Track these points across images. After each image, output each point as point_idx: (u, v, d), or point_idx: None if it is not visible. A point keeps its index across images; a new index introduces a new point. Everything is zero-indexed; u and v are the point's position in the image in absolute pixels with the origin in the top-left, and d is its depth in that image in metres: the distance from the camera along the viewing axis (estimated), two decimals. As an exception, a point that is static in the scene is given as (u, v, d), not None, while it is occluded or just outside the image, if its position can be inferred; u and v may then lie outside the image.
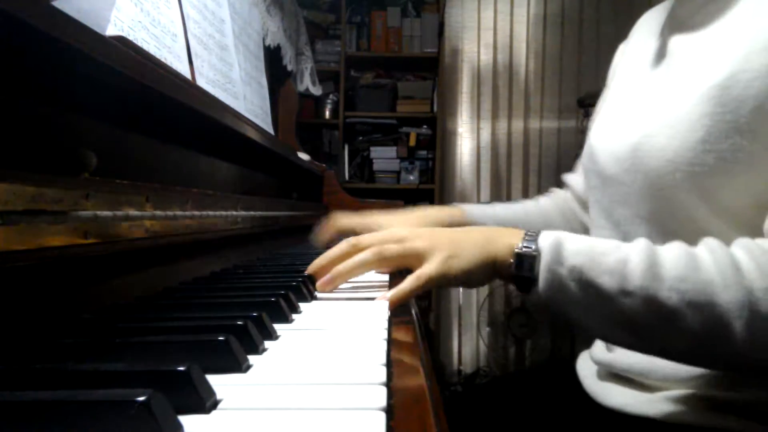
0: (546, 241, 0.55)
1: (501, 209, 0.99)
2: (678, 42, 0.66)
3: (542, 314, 2.69)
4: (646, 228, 0.62)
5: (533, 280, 0.54)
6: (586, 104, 2.54)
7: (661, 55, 0.69)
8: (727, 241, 0.55)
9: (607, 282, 0.51)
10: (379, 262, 0.60)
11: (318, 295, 0.64)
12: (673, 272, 0.50)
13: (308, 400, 0.31)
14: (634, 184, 0.62)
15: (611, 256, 0.52)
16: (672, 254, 0.51)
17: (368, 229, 0.95)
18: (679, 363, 0.58)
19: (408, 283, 0.57)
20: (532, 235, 0.56)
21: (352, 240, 0.63)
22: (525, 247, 0.55)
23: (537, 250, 0.55)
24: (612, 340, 0.60)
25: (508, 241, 0.57)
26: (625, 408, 0.64)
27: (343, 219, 0.98)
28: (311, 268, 0.67)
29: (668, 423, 0.60)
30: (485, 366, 3.00)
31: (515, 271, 0.55)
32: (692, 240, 0.57)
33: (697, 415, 0.59)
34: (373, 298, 0.59)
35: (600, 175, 0.70)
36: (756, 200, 0.54)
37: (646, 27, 0.80)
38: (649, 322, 0.50)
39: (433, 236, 0.60)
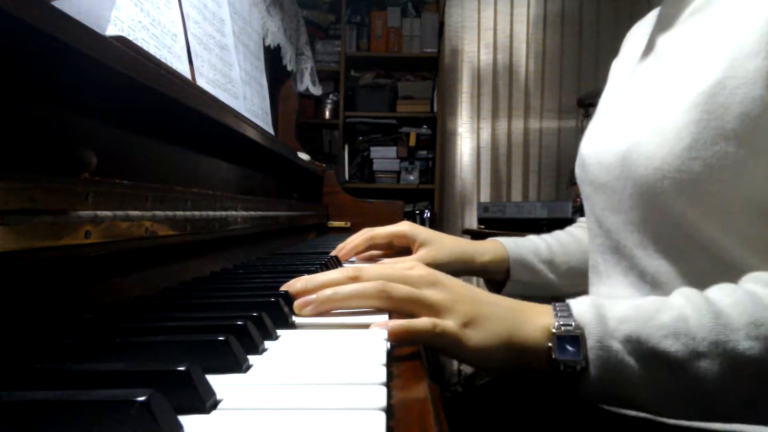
0: (585, 312, 0.47)
1: (544, 252, 0.93)
2: (665, 42, 0.66)
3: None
4: (637, 236, 0.62)
5: (574, 366, 0.45)
6: (586, 104, 2.54)
7: (648, 53, 0.69)
8: (719, 248, 0.54)
9: (671, 347, 0.44)
10: (379, 299, 0.49)
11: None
12: (744, 317, 0.43)
13: (308, 400, 0.31)
14: (624, 192, 0.62)
15: (663, 315, 0.45)
16: (731, 298, 0.45)
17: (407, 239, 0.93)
18: None
19: (423, 324, 0.46)
20: (565, 309, 0.48)
21: (350, 270, 0.52)
22: (563, 325, 0.46)
23: (578, 326, 0.46)
24: (687, 416, 0.48)
25: (538, 322, 0.48)
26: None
27: (382, 231, 0.93)
28: (293, 287, 0.54)
29: (668, 422, 0.60)
30: (485, 366, 3.00)
31: (558, 356, 0.46)
32: (685, 248, 0.57)
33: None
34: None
35: (591, 184, 0.70)
36: (745, 207, 0.54)
37: (634, 38, 0.81)
38: (733, 383, 0.43)
39: (454, 290, 0.50)
